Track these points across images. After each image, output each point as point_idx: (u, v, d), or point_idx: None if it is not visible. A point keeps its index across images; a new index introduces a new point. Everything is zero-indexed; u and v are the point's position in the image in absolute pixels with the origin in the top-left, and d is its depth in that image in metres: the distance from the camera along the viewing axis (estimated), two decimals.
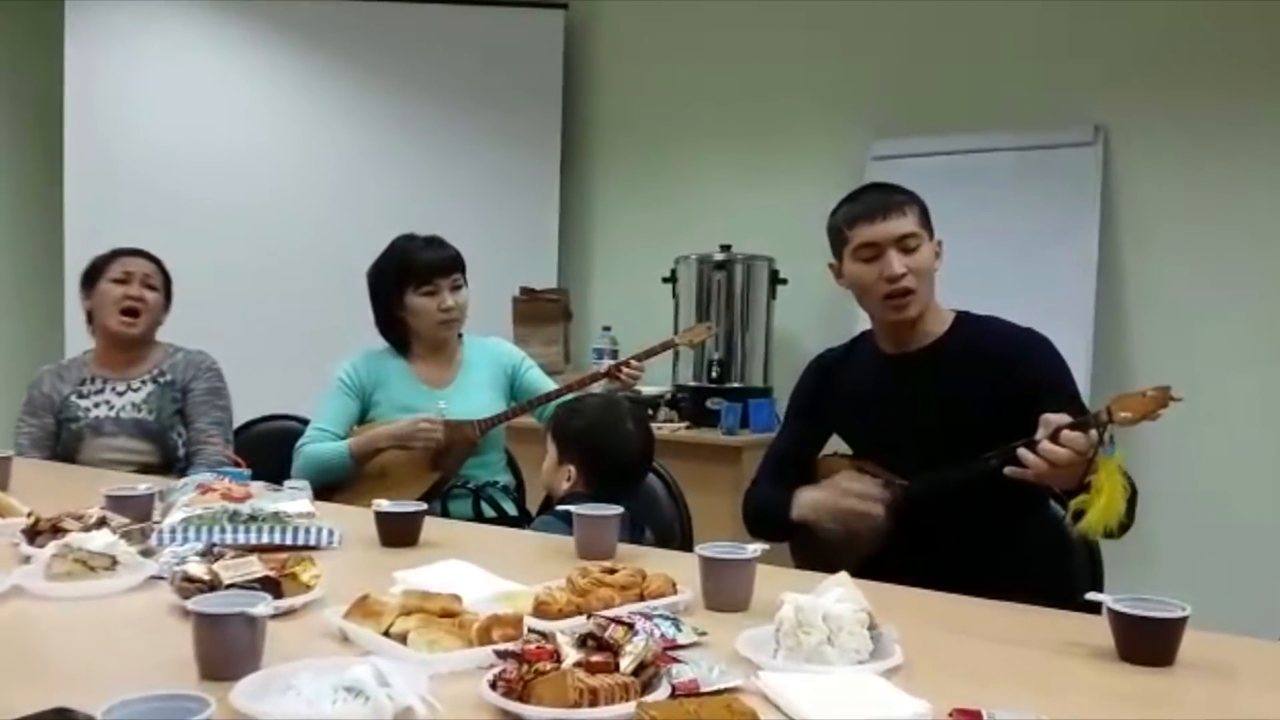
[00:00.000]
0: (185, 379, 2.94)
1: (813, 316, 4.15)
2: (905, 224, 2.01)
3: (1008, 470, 1.73)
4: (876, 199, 2.06)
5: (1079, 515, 1.65)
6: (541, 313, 4.57)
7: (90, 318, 2.98)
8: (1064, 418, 1.69)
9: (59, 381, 2.95)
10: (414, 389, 2.78)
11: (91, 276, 2.96)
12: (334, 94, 4.70)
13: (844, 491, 2.02)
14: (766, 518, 2.17)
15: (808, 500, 2.06)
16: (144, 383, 2.92)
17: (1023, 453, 1.71)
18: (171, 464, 2.87)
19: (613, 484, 2.16)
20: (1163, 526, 3.31)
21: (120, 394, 2.91)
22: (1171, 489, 3.19)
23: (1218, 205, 3.58)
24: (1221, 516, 3.55)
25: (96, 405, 2.90)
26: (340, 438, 2.72)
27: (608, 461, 2.22)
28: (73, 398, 2.91)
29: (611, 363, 2.83)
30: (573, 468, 2.21)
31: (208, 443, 2.88)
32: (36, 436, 2.90)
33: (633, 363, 2.77)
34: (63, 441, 2.90)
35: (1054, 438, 1.68)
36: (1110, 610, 1.37)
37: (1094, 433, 1.66)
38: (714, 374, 4.16)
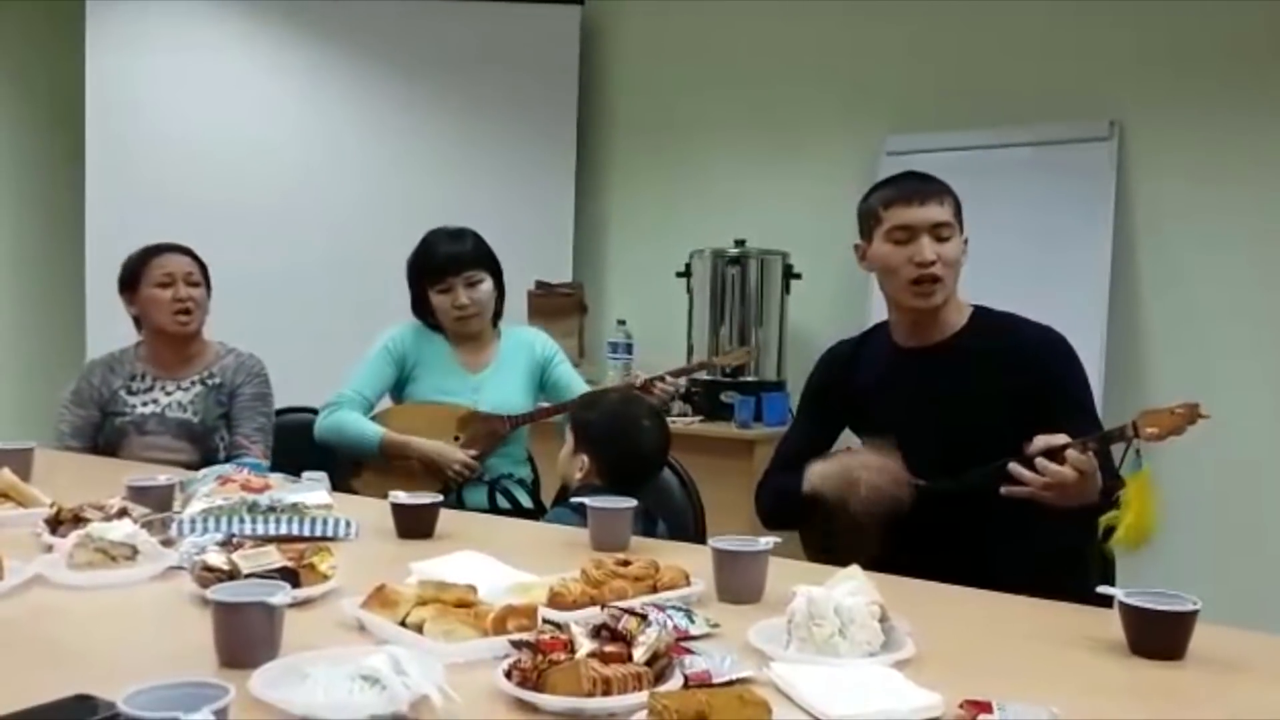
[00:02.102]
0: (234, 383, 2.93)
1: (826, 310, 4.16)
2: (941, 212, 2.03)
3: (1004, 490, 1.76)
4: (915, 184, 2.07)
5: (1109, 531, 1.66)
6: (557, 306, 4.57)
7: (137, 321, 2.96)
8: (1062, 437, 1.73)
9: (110, 375, 2.93)
10: (452, 370, 2.80)
11: (132, 280, 2.92)
12: (352, 91, 4.70)
13: (858, 461, 2.02)
14: (778, 497, 2.18)
15: (817, 469, 2.06)
16: (193, 383, 2.91)
17: (1015, 468, 1.74)
18: (211, 465, 2.87)
19: (625, 479, 2.17)
20: (1175, 520, 3.29)
21: (169, 393, 2.90)
22: (1184, 483, 3.18)
23: (1233, 200, 3.56)
24: (1234, 511, 3.54)
25: (144, 403, 2.88)
26: (370, 403, 2.76)
27: (622, 457, 2.23)
28: (121, 393, 2.90)
29: (646, 377, 2.74)
30: (586, 458, 2.23)
31: (248, 449, 2.88)
32: (78, 427, 2.89)
33: (667, 378, 2.73)
34: (105, 435, 2.89)
35: (1055, 456, 1.71)
36: (1121, 604, 1.37)
37: (1089, 456, 1.70)
38: (728, 368, 4.17)
